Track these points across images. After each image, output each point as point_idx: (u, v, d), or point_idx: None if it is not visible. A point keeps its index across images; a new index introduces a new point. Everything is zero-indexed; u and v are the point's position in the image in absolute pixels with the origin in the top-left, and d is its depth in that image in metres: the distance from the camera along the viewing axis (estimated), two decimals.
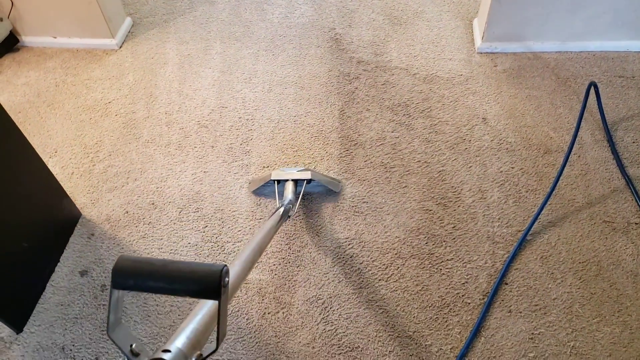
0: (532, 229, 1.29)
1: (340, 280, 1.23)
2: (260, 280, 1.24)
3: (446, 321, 1.15)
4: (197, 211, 1.40)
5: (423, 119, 1.59)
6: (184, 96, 1.73)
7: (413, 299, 1.19)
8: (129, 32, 2.01)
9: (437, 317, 1.16)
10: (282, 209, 1.17)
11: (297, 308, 1.19)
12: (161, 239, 1.34)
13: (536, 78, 1.69)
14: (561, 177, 1.40)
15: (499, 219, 1.33)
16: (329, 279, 1.23)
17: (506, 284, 1.20)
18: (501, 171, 1.44)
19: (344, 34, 1.91)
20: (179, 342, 0.58)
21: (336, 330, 1.15)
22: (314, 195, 1.41)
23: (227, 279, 0.56)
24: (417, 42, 1.85)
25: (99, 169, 1.53)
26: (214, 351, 0.57)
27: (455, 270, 1.23)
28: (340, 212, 1.37)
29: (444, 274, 1.23)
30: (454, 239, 1.29)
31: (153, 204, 1.43)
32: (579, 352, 1.09)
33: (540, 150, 1.48)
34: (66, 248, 1.34)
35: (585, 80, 1.65)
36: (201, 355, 0.58)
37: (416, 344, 1.12)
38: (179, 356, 0.55)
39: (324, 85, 1.73)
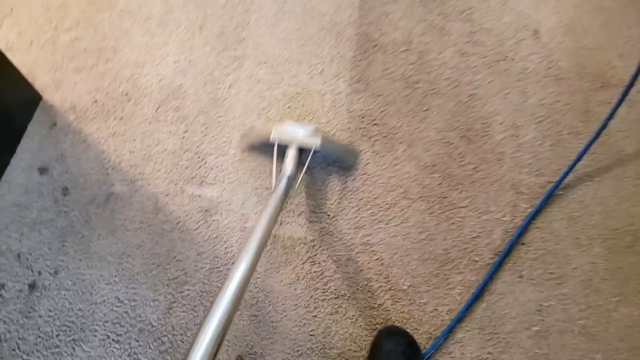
0: (564, 181, 1.10)
1: (334, 216, 1.07)
2: (244, 207, 1.08)
3: (447, 279, 1.02)
4: (178, 110, 1.19)
5: (461, 23, 1.29)
6: None
7: (414, 248, 1.04)
8: None
9: (437, 273, 1.02)
10: (281, 189, 0.91)
11: (282, 242, 1.05)
12: (134, 140, 1.15)
13: None
14: (613, 120, 1.16)
15: (529, 164, 1.13)
16: (321, 211, 1.07)
17: (523, 244, 1.05)
18: (543, 104, 1.19)
19: None
20: None
21: (322, 273, 1.03)
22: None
23: None
24: None
25: (64, 41, 1.27)
26: None
27: (467, 221, 1.07)
28: (344, 132, 1.16)
29: (453, 223, 1.07)
30: (473, 182, 1.11)
31: (127, 94, 1.20)
32: (589, 332, 0.97)
33: (596, 82, 1.22)
34: (24, 137, 1.15)
35: None
36: None
37: (409, 299, 1.00)
38: None
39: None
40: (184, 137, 1.15)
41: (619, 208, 1.08)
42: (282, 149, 1.03)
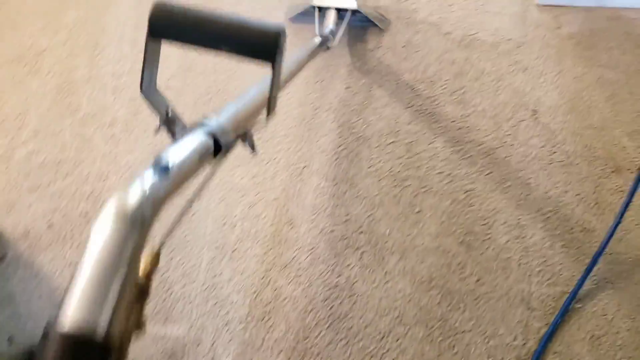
0: (581, 291, 0.96)
1: (318, 353, 0.93)
2: (214, 347, 0.95)
3: None
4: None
5: (453, 106, 1.18)
6: (139, 49, 1.31)
7: None
8: None
9: None
10: (319, 38, 1.04)
11: None
12: None
13: (614, 51, 1.23)
14: (631, 211, 1.03)
15: (539, 272, 0.99)
16: (302, 349, 0.94)
17: None
18: (549, 196, 1.06)
19: None
20: (222, 116, 0.51)
21: None
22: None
23: (285, 40, 0.48)
24: None
25: (21, 156, 1.17)
26: (265, 120, 0.55)
27: (473, 348, 0.93)
28: (326, 243, 1.03)
29: (457, 352, 0.92)
30: (477, 298, 0.97)
31: (86, 215, 1.09)
32: None
33: (606, 167, 1.09)
34: None
35: None
36: (245, 127, 0.55)
37: None
38: (220, 127, 0.49)
39: (311, 30, 1.28)
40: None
41: None
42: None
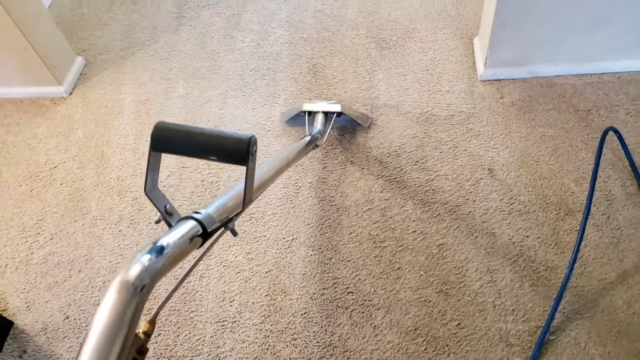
0: (553, 324, 1.05)
1: None
2: None
3: None
4: (148, 313, 1.17)
5: (417, 173, 1.34)
6: (139, 155, 1.49)
7: None
8: (80, 73, 1.76)
9: None
10: (309, 137, 1.19)
11: None
12: None
13: (551, 111, 1.41)
14: (586, 248, 1.14)
15: (513, 310, 1.08)
16: None
17: None
18: (513, 242, 1.18)
19: (325, 64, 1.64)
20: (209, 209, 0.61)
21: None
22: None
23: (255, 147, 0.59)
24: (408, 70, 1.58)
25: (38, 259, 1.30)
26: (240, 212, 0.64)
27: None
28: (320, 319, 1.13)
29: None
30: (459, 341, 1.05)
31: (98, 305, 1.20)
32: None
33: (560, 211, 1.22)
34: None
35: (610, 112, 1.38)
36: (227, 216, 0.63)
37: None
38: (207, 217, 0.59)
39: (302, 131, 1.47)
40: (156, 342, 1.12)
41: (619, 345, 1.01)
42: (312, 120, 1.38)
